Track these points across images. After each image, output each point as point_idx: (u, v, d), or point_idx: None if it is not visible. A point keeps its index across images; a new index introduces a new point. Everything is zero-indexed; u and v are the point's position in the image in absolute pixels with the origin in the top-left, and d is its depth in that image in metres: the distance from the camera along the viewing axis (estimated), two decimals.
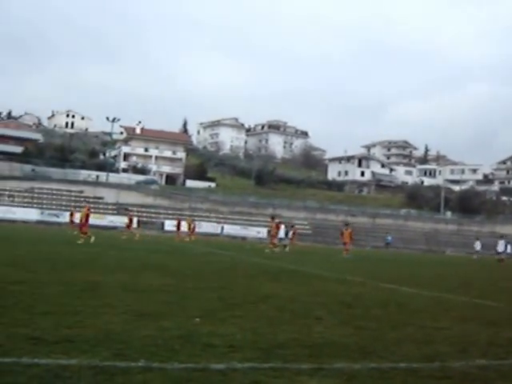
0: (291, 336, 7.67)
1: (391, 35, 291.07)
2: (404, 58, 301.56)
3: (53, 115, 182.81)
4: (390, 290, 15.66)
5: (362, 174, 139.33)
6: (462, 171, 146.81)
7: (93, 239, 30.64)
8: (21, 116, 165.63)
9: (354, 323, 9.15)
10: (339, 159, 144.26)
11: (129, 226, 47.28)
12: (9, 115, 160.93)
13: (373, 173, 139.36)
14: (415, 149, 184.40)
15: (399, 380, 5.82)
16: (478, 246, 59.17)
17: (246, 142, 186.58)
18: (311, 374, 5.73)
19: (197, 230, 49.97)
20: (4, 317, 7.52)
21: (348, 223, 42.03)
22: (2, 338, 6.35)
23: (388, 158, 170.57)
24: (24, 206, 70.02)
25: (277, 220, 39.55)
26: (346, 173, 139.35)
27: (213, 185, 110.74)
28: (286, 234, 50.26)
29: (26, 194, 75.21)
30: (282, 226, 44.77)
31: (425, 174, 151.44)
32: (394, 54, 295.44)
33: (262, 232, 52.20)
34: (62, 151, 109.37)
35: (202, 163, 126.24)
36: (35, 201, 73.41)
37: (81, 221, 34.37)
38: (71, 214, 50.25)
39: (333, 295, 13.14)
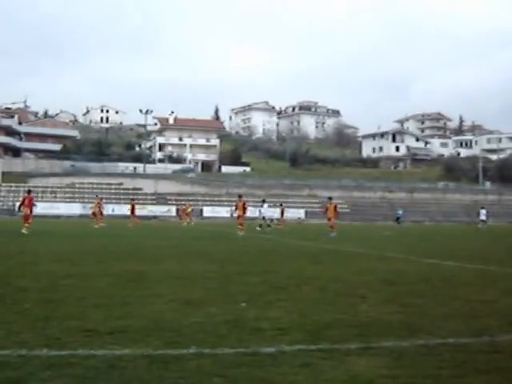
0: (337, 316, 7.76)
1: (418, 7, 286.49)
2: (433, 28, 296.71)
3: (87, 111, 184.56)
4: (432, 265, 15.60)
5: (397, 149, 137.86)
6: (499, 140, 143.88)
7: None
8: (57, 114, 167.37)
9: (399, 300, 9.18)
10: (373, 136, 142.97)
11: (132, 213, 46.71)
12: (45, 114, 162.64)
13: (408, 147, 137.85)
14: (449, 120, 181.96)
15: (448, 356, 5.84)
16: (482, 215, 58.24)
17: (278, 125, 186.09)
18: (360, 354, 5.81)
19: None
20: (57, 311, 7.74)
21: (331, 197, 37.19)
22: (57, 331, 6.55)
23: (422, 132, 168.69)
24: (66, 201, 71.08)
25: (244, 199, 36.71)
26: (381, 149, 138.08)
27: (248, 169, 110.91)
28: (282, 213, 50.63)
29: (67, 190, 76.36)
30: (265, 205, 44.73)
31: (461, 145, 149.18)
32: (422, 26, 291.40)
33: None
34: (98, 146, 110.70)
35: (236, 148, 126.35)
36: (77, 195, 74.43)
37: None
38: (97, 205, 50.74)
39: (375, 273, 13.17)
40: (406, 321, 7.61)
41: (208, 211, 72.08)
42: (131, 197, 61.12)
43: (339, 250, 21.28)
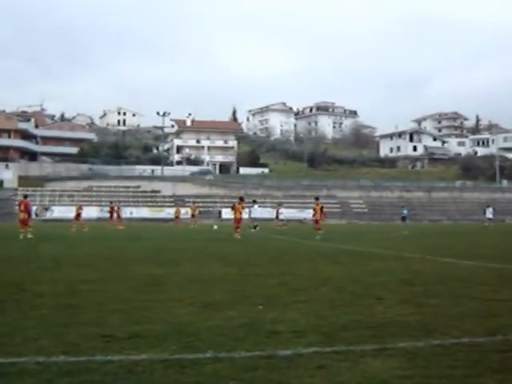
0: (353, 318, 7.78)
1: (434, 6, 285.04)
2: (450, 27, 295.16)
3: (105, 114, 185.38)
4: (449, 265, 15.56)
5: (415, 148, 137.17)
6: None
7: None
8: (74, 117, 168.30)
9: (415, 301, 9.19)
10: (390, 135, 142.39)
11: (111, 217, 47.35)
12: (62, 117, 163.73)
13: (425, 147, 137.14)
14: (466, 119, 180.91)
15: (462, 356, 5.86)
16: (489, 213, 57.87)
17: (295, 126, 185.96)
18: (375, 355, 5.84)
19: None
20: (75, 316, 7.79)
21: (318, 197, 35.44)
22: (74, 337, 6.60)
23: (439, 131, 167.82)
24: (84, 205, 71.45)
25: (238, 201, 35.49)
26: (398, 149, 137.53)
27: (266, 170, 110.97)
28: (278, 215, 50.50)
29: (84, 193, 76.70)
30: (256, 206, 44.48)
31: (478, 143, 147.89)
32: (439, 25, 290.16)
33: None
34: (116, 149, 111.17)
35: (254, 150, 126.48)
36: (94, 199, 74.78)
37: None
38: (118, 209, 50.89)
39: (392, 273, 13.16)
40: (422, 321, 7.63)
41: (226, 213, 72.05)
42: (110, 199, 61.22)
43: (356, 250, 21.27)
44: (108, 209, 52.24)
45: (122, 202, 58.86)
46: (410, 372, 5.29)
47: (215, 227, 43.27)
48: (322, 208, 32.79)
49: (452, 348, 6.18)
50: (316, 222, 32.44)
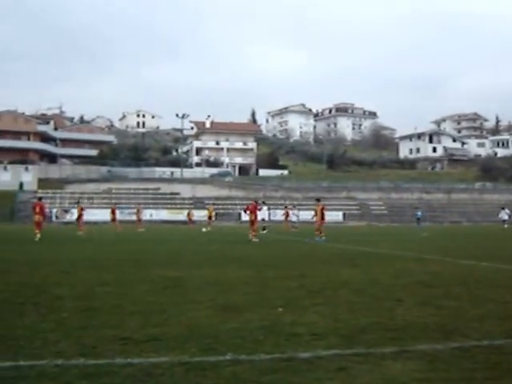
0: (373, 320, 7.75)
1: (454, 5, 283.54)
2: (469, 27, 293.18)
3: (124, 116, 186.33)
4: (469, 267, 15.46)
5: (434, 149, 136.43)
6: None
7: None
8: (93, 120, 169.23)
9: (435, 303, 9.15)
10: (410, 137, 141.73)
11: (113, 219, 46.58)
12: (81, 120, 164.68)
13: (445, 148, 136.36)
14: (486, 120, 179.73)
15: (482, 358, 5.83)
16: (505, 214, 57.46)
17: (314, 127, 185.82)
18: (395, 358, 5.81)
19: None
20: (93, 319, 7.81)
21: (319, 199, 33.84)
22: (93, 340, 6.61)
23: (459, 132, 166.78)
24: (103, 207, 71.77)
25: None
26: (418, 150, 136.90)
27: (285, 172, 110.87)
28: (287, 215, 50.36)
29: (104, 195, 77.01)
30: (265, 208, 44.08)
31: (498, 145, 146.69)
32: (458, 25, 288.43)
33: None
34: (135, 151, 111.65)
35: (273, 152, 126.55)
36: (114, 201, 75.02)
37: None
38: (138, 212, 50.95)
39: (411, 275, 13.09)
40: (441, 323, 7.60)
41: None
42: (113, 201, 61.47)
43: (375, 252, 21.19)
44: (131, 211, 52.36)
45: (142, 205, 59.13)
46: (430, 375, 5.27)
47: (204, 230, 42.95)
48: (322, 209, 31.53)
49: (471, 350, 6.15)
50: (319, 223, 31.21)
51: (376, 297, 9.84)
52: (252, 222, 31.24)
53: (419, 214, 62.06)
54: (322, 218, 31.14)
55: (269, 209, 47.98)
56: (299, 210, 52.33)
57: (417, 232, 42.00)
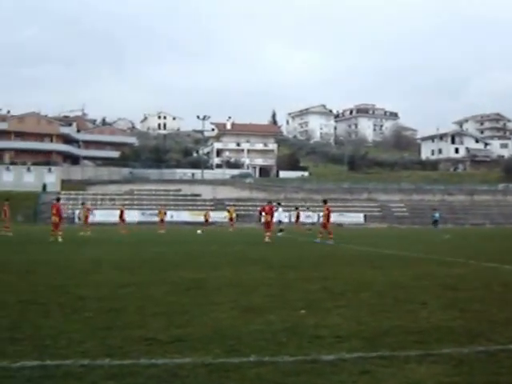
0: (396, 323, 7.71)
1: (474, 5, 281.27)
2: (490, 26, 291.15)
3: (145, 118, 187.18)
4: (492, 270, 15.35)
5: (456, 150, 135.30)
6: None
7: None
8: (115, 122, 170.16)
9: (459, 306, 9.08)
10: (431, 138, 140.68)
11: (122, 220, 45.71)
12: (103, 122, 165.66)
13: (467, 149, 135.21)
14: (509, 121, 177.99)
15: (508, 362, 5.78)
16: None
17: (335, 128, 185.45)
18: (419, 361, 5.78)
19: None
20: (118, 319, 7.86)
21: (326, 200, 32.72)
22: (118, 340, 6.65)
23: (481, 133, 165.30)
24: (125, 209, 72.10)
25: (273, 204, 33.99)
26: (440, 151, 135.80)
27: (306, 174, 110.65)
28: (297, 217, 50.06)
29: (126, 197, 77.42)
30: (280, 209, 43.73)
31: None
32: (479, 24, 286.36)
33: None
34: (156, 152, 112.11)
35: (294, 153, 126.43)
36: (135, 202, 75.45)
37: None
38: (160, 213, 50.92)
39: (434, 278, 13.01)
40: (466, 326, 7.54)
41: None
42: (123, 202, 61.53)
43: (397, 254, 21.09)
44: (156, 212, 52.52)
45: (165, 206, 59.30)
46: (455, 379, 5.23)
47: (199, 232, 42.73)
48: (328, 211, 30.67)
49: (497, 354, 6.09)
50: (323, 225, 30.65)
51: (399, 299, 9.79)
52: (268, 223, 30.97)
53: (437, 215, 61.61)
54: (328, 219, 30.45)
55: (285, 210, 47.71)
56: (313, 211, 52.09)
57: (435, 234, 41.76)
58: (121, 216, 45.44)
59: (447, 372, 5.42)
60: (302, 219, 50.49)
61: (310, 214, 50.46)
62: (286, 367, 5.56)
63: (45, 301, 9.33)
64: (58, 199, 34.97)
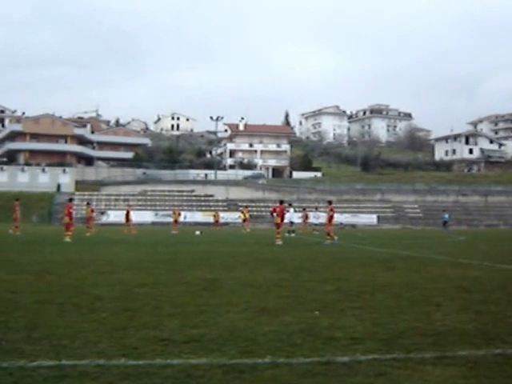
0: (411, 325, 7.69)
1: (488, 5, 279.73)
2: (504, 25, 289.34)
3: (158, 119, 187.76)
4: (508, 271, 15.30)
5: (471, 151, 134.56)
6: None
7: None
8: (128, 123, 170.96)
9: (474, 308, 9.04)
10: (445, 138, 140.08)
11: (127, 220, 45.68)
12: (117, 123, 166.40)
13: (481, 150, 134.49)
14: None
15: None
16: None
17: (348, 129, 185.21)
18: (435, 363, 5.75)
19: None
20: (133, 320, 7.88)
21: (330, 201, 32.40)
22: (134, 340, 6.68)
23: (496, 133, 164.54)
24: (138, 209, 72.36)
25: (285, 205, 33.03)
26: (454, 152, 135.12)
27: (319, 175, 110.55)
28: (306, 218, 49.87)
29: (139, 197, 77.74)
30: (291, 210, 43.48)
31: None
32: (492, 24, 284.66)
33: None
34: (170, 153, 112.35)
35: (307, 154, 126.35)
36: (149, 203, 75.69)
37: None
38: (174, 214, 51.10)
39: (449, 280, 12.94)
40: (482, 329, 7.49)
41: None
42: (128, 203, 61.65)
43: (411, 256, 21.02)
44: (169, 213, 52.66)
45: (179, 207, 59.52)
46: (472, 381, 5.21)
47: (197, 233, 42.59)
48: (331, 212, 30.37)
49: None
50: (330, 226, 30.17)
51: (413, 301, 9.76)
52: (278, 224, 30.62)
53: (446, 216, 61.25)
54: (329, 220, 30.16)
55: (295, 211, 47.59)
56: (320, 212, 51.95)
57: (446, 235, 41.57)
58: (127, 216, 45.65)
59: (463, 374, 5.40)
60: (310, 220, 50.34)
61: (319, 214, 50.30)
62: (300, 368, 5.56)
63: (61, 301, 9.37)
64: (71, 200, 35.10)
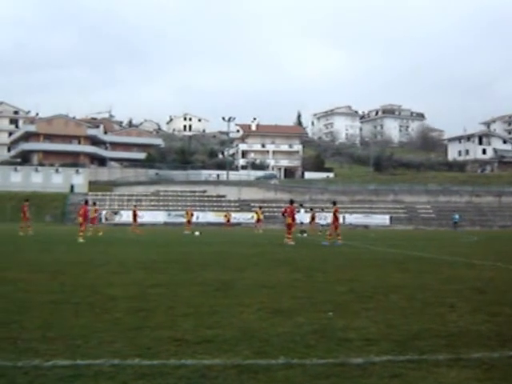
0: (425, 326, 7.67)
1: (501, 5, 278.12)
2: None
3: (171, 120, 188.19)
4: None
5: (484, 151, 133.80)
6: None
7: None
8: (141, 123, 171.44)
9: (488, 309, 8.99)
10: (458, 138, 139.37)
11: (135, 220, 45.96)
12: (130, 123, 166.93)
13: (495, 150, 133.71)
14: None
15: None
16: None
17: (360, 129, 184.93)
18: (449, 365, 5.73)
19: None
20: (147, 320, 7.90)
21: (335, 202, 32.43)
22: (148, 340, 6.69)
23: (510, 133, 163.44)
24: (151, 209, 72.56)
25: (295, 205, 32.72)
26: (467, 152, 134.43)
27: (331, 175, 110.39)
28: (313, 218, 49.63)
29: (152, 198, 77.96)
30: (302, 210, 43.20)
31: None
32: (505, 24, 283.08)
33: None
34: (182, 154, 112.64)
35: (319, 154, 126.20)
36: (161, 203, 75.87)
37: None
38: (187, 214, 51.23)
39: (463, 281, 12.88)
40: (496, 331, 7.46)
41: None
42: (134, 203, 61.88)
43: (424, 257, 20.95)
44: (182, 213, 52.81)
45: (191, 207, 59.65)
46: (487, 383, 5.18)
47: (197, 233, 42.36)
48: (335, 212, 30.19)
49: None
50: (335, 227, 30.06)
51: (427, 302, 9.73)
52: (289, 225, 30.15)
53: (457, 217, 61.03)
54: (333, 221, 30.20)
55: (306, 211, 47.52)
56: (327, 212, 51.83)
57: (457, 236, 41.38)
58: (134, 216, 45.95)
59: (478, 376, 5.38)
60: (317, 220, 50.28)
61: (324, 215, 50.22)
62: (314, 370, 5.55)
63: (75, 301, 9.41)
64: (86, 202, 35.55)
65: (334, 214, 30.19)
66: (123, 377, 5.26)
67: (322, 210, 54.16)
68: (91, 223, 40.67)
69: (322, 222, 48.88)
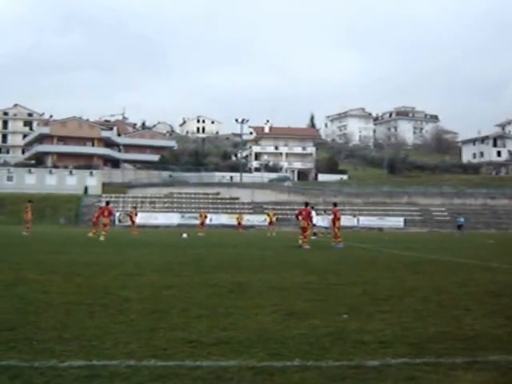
0: (441, 329, 7.62)
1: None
2: None
3: (184, 122, 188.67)
4: None
5: (499, 153, 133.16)
6: None
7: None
8: (154, 125, 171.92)
9: (505, 313, 8.92)
10: (473, 141, 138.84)
11: (133, 222, 47.44)
12: (143, 126, 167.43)
13: (509, 152, 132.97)
14: None
15: None
16: None
17: (374, 132, 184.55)
18: (466, 368, 5.69)
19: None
20: (162, 321, 7.90)
21: (336, 203, 32.70)
22: (163, 342, 6.70)
23: None
24: (165, 211, 72.74)
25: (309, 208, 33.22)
26: (482, 154, 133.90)
27: (345, 177, 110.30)
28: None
29: (165, 200, 78.14)
30: (313, 213, 42.96)
31: None
32: None
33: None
34: (195, 156, 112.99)
35: (333, 156, 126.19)
36: (175, 205, 76.03)
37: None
38: (201, 216, 51.51)
39: (479, 284, 12.79)
40: None
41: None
42: (134, 205, 62.07)
43: (439, 259, 20.86)
44: (195, 215, 53.03)
45: (205, 209, 59.78)
46: None
47: (184, 235, 42.04)
48: (335, 214, 30.26)
49: None
50: (337, 229, 29.98)
51: (443, 305, 9.68)
52: (304, 228, 29.01)
53: (462, 220, 60.52)
54: (334, 222, 30.16)
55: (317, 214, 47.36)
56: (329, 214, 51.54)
57: (456, 239, 41.13)
58: (131, 218, 47.15)
59: (495, 380, 5.34)
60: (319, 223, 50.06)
61: (327, 217, 49.95)
62: (330, 372, 5.53)
63: (90, 302, 9.43)
64: (108, 203, 37.05)
65: (335, 216, 30.17)
66: (139, 378, 5.26)
67: (325, 211, 53.88)
68: (93, 225, 40.61)
69: (325, 224, 48.61)
